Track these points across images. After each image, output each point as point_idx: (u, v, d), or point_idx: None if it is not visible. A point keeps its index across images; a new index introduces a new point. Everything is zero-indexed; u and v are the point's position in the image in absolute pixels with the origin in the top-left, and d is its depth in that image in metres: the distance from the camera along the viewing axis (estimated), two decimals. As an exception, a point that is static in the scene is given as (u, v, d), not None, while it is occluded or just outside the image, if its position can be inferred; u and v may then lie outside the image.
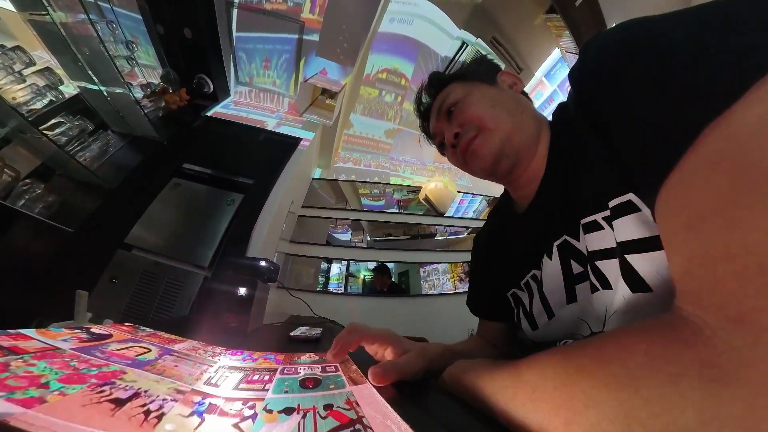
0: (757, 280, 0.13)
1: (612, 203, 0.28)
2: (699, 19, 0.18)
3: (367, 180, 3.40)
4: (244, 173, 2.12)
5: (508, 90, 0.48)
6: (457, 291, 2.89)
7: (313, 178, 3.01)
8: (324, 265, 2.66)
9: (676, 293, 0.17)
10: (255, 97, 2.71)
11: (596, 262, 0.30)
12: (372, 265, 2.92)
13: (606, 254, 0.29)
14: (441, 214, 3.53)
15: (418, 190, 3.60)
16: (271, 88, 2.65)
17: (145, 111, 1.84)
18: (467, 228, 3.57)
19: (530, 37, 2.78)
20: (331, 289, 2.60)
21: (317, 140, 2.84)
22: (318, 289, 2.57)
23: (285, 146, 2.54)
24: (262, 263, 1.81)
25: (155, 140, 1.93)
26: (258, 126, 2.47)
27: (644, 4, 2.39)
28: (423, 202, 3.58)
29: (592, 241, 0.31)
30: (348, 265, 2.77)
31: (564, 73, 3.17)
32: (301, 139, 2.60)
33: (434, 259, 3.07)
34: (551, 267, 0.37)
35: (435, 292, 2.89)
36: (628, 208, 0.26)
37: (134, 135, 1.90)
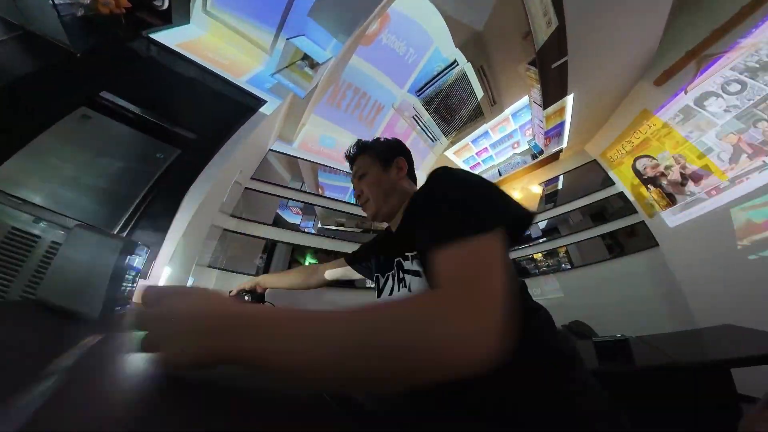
0: (467, 284, 0.31)
1: (414, 252, 0.59)
2: (479, 188, 0.45)
3: (330, 165, 3.21)
4: (186, 124, 1.76)
5: (395, 173, 0.73)
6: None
7: (270, 149, 2.68)
8: (266, 246, 2.42)
9: (439, 284, 0.33)
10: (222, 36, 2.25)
11: (405, 275, 0.60)
12: (320, 254, 2.78)
13: (409, 273, 0.59)
14: (395, 216, 3.57)
15: (379, 187, 3.56)
16: (244, 31, 2.24)
17: (57, 1, 1.34)
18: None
19: (511, 78, 2.99)
20: (266, 274, 2.39)
21: (284, 108, 2.53)
22: (254, 273, 2.33)
23: (245, 104, 2.19)
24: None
25: (63, 47, 1.42)
26: (217, 71, 2.06)
27: (596, 81, 2.77)
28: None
29: (406, 265, 0.61)
30: (293, 251, 2.58)
31: (525, 117, 3.53)
32: (265, 101, 2.28)
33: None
34: (390, 271, 0.66)
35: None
36: (410, 257, 0.59)
37: (29, 30, 1.37)
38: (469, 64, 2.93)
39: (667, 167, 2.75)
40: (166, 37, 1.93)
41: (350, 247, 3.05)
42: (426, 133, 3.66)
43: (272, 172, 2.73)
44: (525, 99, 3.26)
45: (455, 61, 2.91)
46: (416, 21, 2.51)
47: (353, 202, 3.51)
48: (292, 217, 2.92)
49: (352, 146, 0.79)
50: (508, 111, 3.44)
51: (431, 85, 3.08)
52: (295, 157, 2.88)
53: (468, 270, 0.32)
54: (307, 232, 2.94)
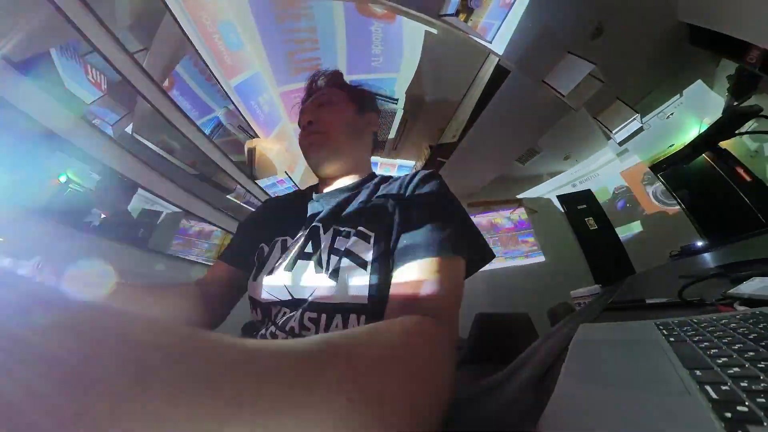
0: (451, 307, 0.37)
1: (360, 228, 0.45)
2: (459, 207, 0.50)
3: (210, 65, 2.07)
4: None
5: (365, 125, 0.62)
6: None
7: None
8: None
9: (423, 308, 0.35)
10: None
11: (331, 255, 0.44)
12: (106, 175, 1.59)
13: (336, 253, 0.44)
14: (253, 177, 2.88)
15: (254, 135, 2.76)
16: None
17: None
18: (266, 206, 3.24)
19: (415, 144, 3.76)
20: None
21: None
22: None
23: None
24: None
25: None
26: None
27: (449, 183, 4.25)
28: (246, 151, 2.77)
29: (339, 242, 0.45)
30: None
31: (405, 173, 4.48)
32: None
33: (212, 219, 2.33)
34: (300, 238, 0.49)
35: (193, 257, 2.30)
36: (365, 237, 0.44)
37: None
38: (402, 111, 3.25)
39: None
40: None
41: (166, 190, 2.02)
42: (333, 124, 3.41)
43: (112, 10, 1.33)
44: (413, 163, 4.07)
45: (397, 99, 3.10)
46: (404, 46, 2.45)
47: (207, 133, 2.41)
48: (85, 90, 1.52)
49: (328, 71, 0.64)
50: (398, 161, 4.10)
51: (369, 97, 3.01)
52: (167, 7, 1.59)
53: (457, 291, 0.39)
54: (100, 131, 1.64)
